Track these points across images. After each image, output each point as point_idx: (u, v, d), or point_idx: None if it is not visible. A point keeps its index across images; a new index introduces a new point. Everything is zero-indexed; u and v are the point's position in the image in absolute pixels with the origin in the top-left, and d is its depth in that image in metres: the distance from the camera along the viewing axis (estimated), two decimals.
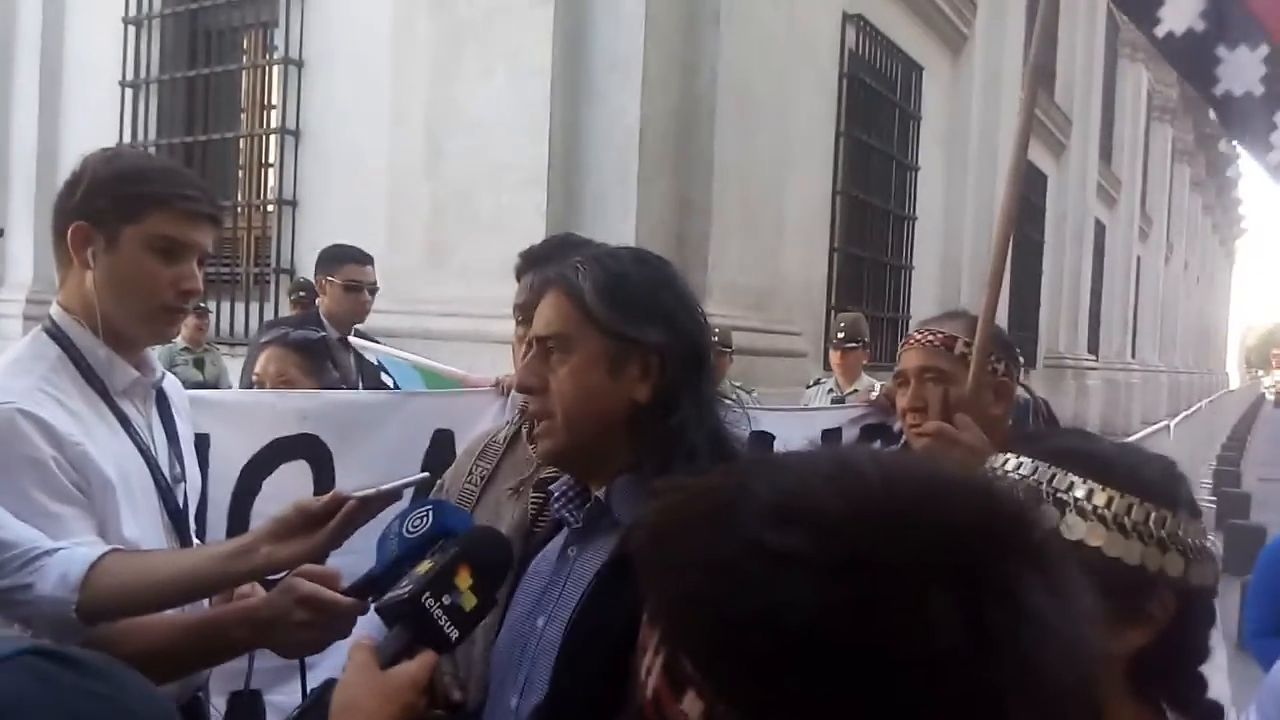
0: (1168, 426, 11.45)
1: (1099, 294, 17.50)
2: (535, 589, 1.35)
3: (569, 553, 1.33)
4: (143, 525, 1.51)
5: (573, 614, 1.24)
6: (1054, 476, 0.96)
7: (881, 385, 4.08)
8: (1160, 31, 2.20)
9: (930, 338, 2.08)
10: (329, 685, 1.09)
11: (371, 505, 1.34)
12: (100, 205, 1.50)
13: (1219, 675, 1.05)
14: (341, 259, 3.98)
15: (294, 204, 6.45)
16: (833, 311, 7.26)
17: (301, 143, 6.43)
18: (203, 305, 6.63)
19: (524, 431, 1.98)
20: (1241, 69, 2.17)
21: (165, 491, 1.58)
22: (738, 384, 4.38)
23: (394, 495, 1.37)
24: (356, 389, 3.24)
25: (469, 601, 1.14)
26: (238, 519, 2.29)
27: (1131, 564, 0.92)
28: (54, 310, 1.56)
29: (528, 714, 1.24)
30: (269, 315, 6.36)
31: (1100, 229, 17.24)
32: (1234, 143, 2.28)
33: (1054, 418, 2.83)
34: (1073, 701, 0.51)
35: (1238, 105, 2.22)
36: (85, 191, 1.51)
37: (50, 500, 1.38)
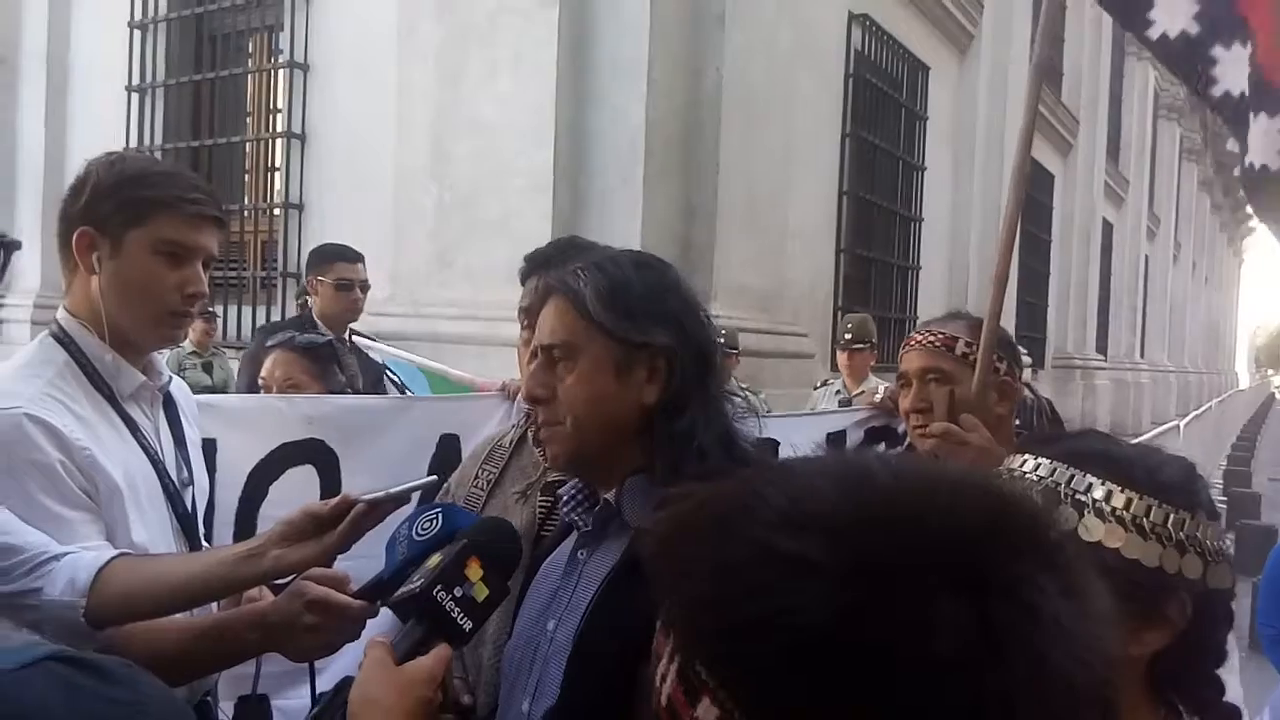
0: (1178, 427, 11.40)
1: (1107, 294, 17.46)
2: (545, 592, 1.34)
3: (579, 556, 1.33)
4: (151, 530, 1.51)
5: (583, 617, 1.23)
6: (1073, 478, 0.96)
7: (887, 387, 4.07)
8: (1154, 33, 2.17)
9: (931, 339, 2.08)
10: (346, 683, 1.10)
11: (380, 509, 1.34)
12: (105, 210, 1.50)
13: (1231, 677, 1.04)
14: (331, 258, 3.96)
15: (300, 208, 6.46)
16: (839, 313, 7.25)
17: (307, 146, 6.45)
18: (210, 310, 6.64)
19: (530, 435, 1.98)
20: (1239, 67, 2.13)
21: (173, 496, 1.58)
22: (744, 386, 4.37)
23: (402, 499, 1.37)
24: (362, 392, 3.24)
25: (481, 592, 1.14)
26: (245, 523, 2.29)
27: (1150, 566, 0.92)
28: (60, 315, 1.56)
29: (539, 718, 1.23)
30: (276, 319, 6.37)
31: (1108, 228, 17.20)
32: (1239, 143, 2.19)
33: (1058, 417, 2.82)
34: (1086, 704, 0.51)
35: (1234, 105, 2.18)
36: (89, 197, 1.51)
37: (58, 505, 1.38)
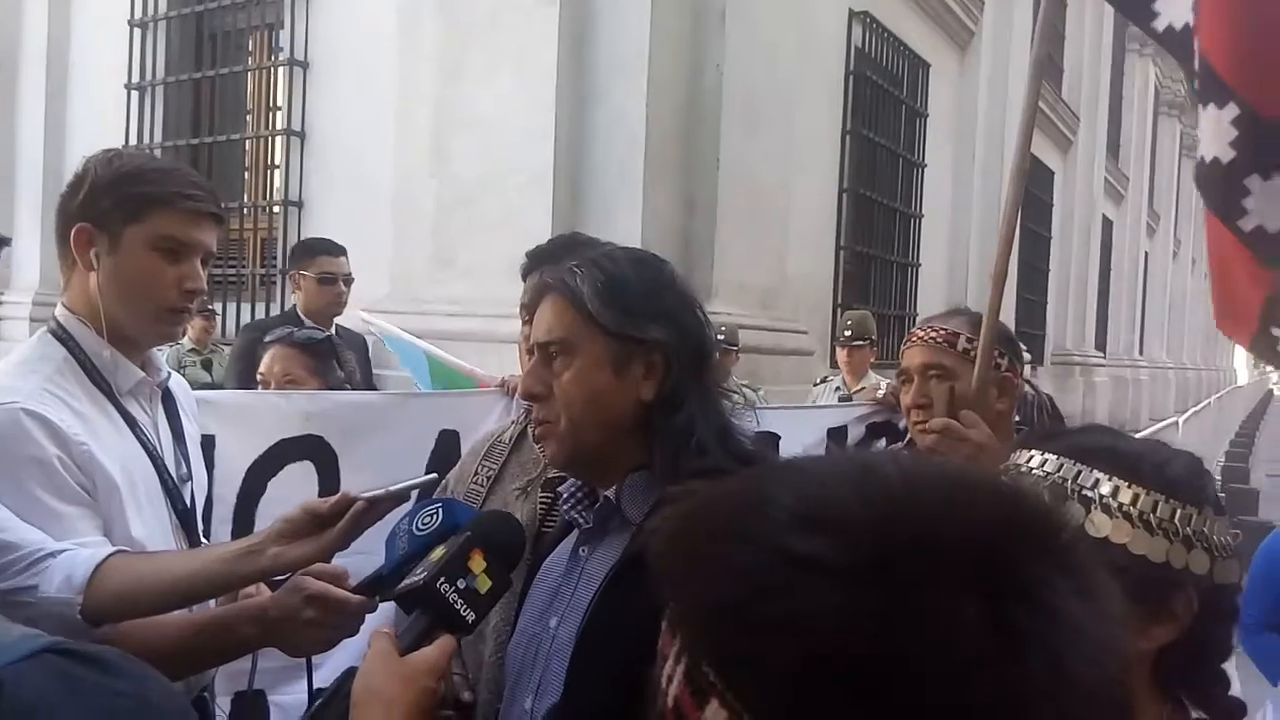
0: (1176, 423, 11.40)
1: (1106, 291, 17.46)
2: (547, 590, 1.34)
3: (580, 553, 1.32)
4: (149, 525, 1.50)
5: (586, 614, 1.23)
6: (1079, 473, 0.95)
7: (888, 383, 4.06)
8: (1159, 25, 2.15)
9: (933, 335, 2.08)
10: (350, 674, 1.10)
11: (379, 507, 1.34)
12: (103, 206, 1.50)
13: (1230, 671, 1.04)
14: (313, 251, 3.93)
15: (300, 205, 6.45)
16: (839, 309, 7.24)
17: (307, 144, 6.43)
18: (209, 307, 6.63)
19: (529, 431, 1.97)
20: None
21: (172, 491, 1.58)
22: (744, 382, 4.36)
23: (401, 497, 1.37)
24: (360, 388, 3.23)
25: (484, 584, 1.15)
26: (243, 520, 2.29)
27: (1157, 561, 0.91)
28: (59, 311, 1.56)
29: (542, 716, 1.23)
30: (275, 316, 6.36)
31: (1108, 225, 17.19)
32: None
33: (1058, 413, 2.83)
34: (1102, 705, 0.50)
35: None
36: (88, 193, 1.51)
37: (55, 500, 1.38)
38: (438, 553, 1.16)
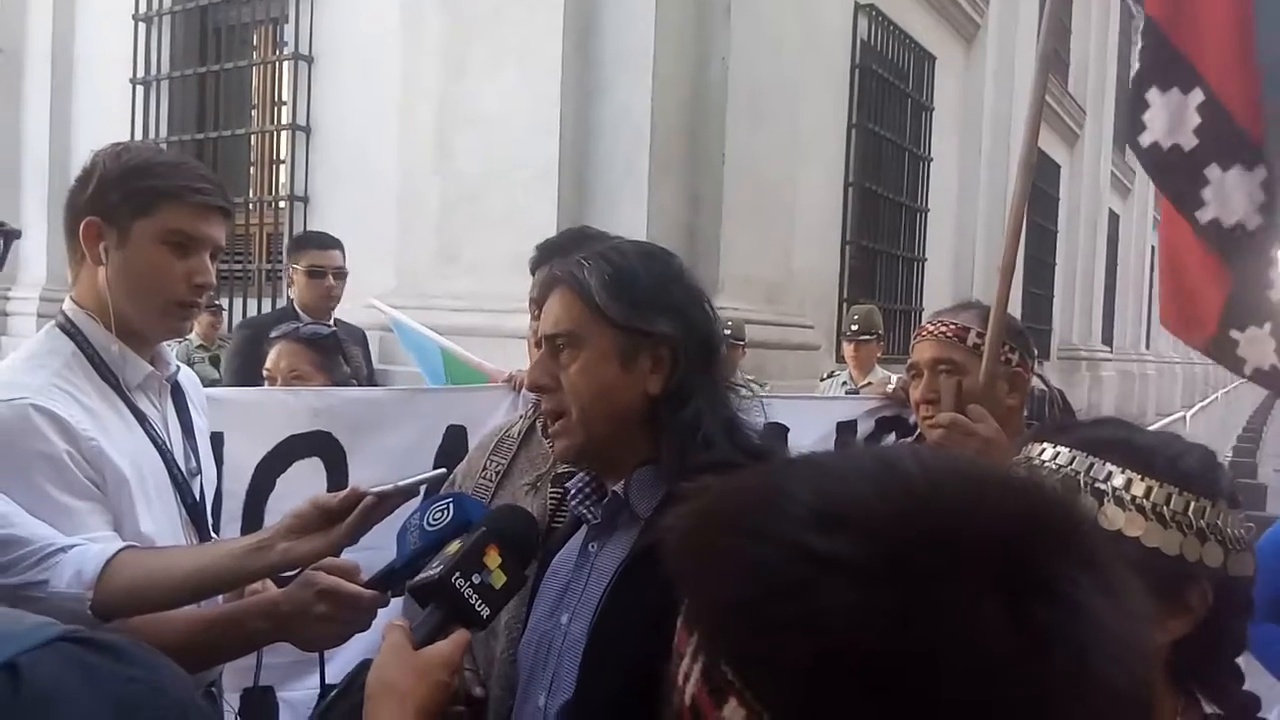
0: (1184, 418, 11.37)
1: (1113, 284, 17.40)
2: (557, 586, 1.34)
3: (590, 548, 1.32)
4: (159, 520, 1.50)
5: (597, 609, 1.23)
6: (1092, 466, 0.95)
7: (897, 378, 4.05)
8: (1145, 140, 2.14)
9: (943, 329, 2.07)
10: (364, 666, 1.11)
11: (388, 502, 1.34)
12: (111, 200, 1.49)
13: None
14: (304, 245, 3.89)
15: (305, 200, 6.45)
16: (845, 304, 7.23)
17: (312, 138, 6.43)
18: (216, 303, 6.64)
19: (539, 426, 1.97)
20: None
21: (182, 486, 1.58)
22: (750, 377, 4.36)
23: (410, 492, 1.36)
24: (366, 384, 3.23)
25: (499, 579, 1.15)
26: (252, 517, 2.29)
27: (1170, 554, 0.91)
28: (67, 306, 1.55)
29: (555, 712, 1.23)
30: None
31: (1114, 219, 17.13)
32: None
33: (1070, 408, 2.81)
34: (1126, 703, 0.49)
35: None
36: (96, 187, 1.51)
37: (65, 495, 1.38)
38: (453, 547, 1.17)
